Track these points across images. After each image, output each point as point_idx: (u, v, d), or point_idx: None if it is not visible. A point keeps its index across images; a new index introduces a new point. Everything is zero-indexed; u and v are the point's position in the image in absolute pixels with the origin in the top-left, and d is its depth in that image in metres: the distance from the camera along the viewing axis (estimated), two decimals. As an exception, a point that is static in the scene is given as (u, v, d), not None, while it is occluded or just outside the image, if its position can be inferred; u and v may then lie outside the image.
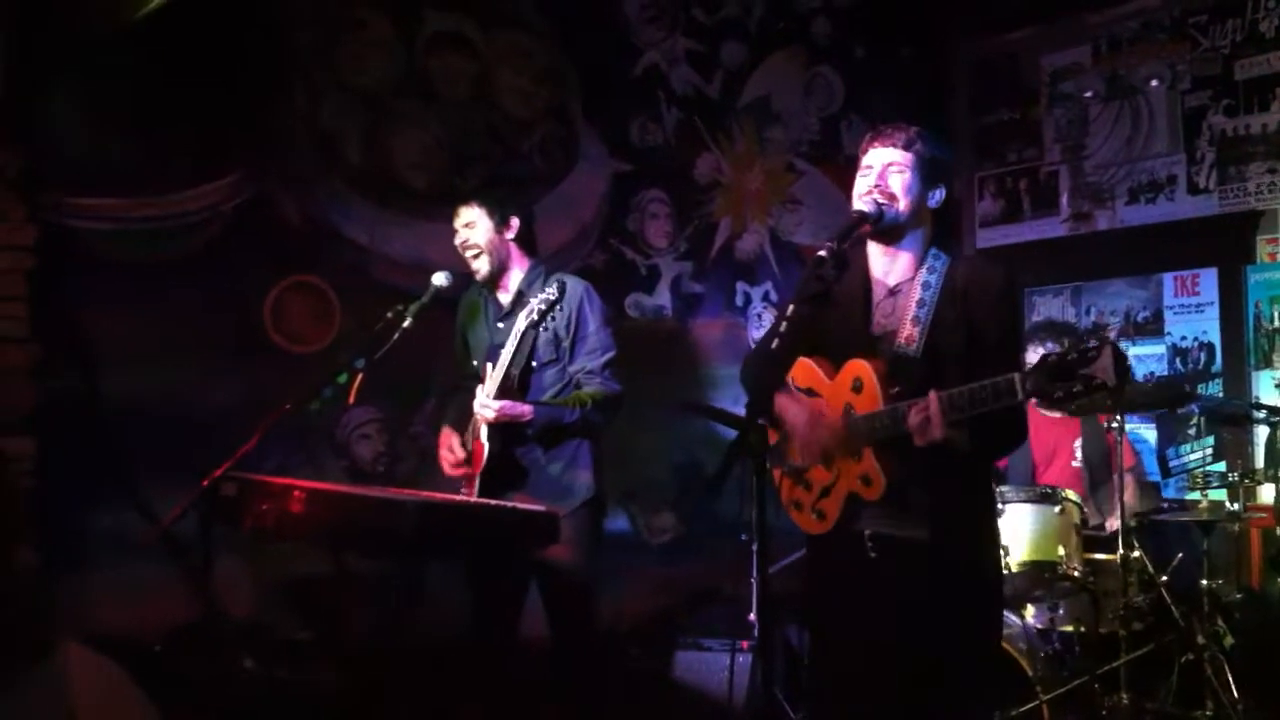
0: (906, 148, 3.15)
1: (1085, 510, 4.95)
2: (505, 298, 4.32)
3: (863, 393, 3.07)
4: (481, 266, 4.28)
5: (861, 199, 3.13)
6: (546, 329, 4.14)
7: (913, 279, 3.16)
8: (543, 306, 4.02)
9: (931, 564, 3.06)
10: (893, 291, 3.19)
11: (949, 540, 3.07)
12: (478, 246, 4.26)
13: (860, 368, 3.08)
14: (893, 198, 3.12)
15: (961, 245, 6.86)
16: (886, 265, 3.21)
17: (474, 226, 4.27)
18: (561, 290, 4.05)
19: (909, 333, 3.09)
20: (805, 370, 3.23)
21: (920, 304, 3.11)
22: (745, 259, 6.60)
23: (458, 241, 4.29)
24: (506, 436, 4.13)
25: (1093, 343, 2.67)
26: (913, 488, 3.06)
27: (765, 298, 6.61)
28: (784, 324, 3.00)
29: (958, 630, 3.07)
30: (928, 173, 3.16)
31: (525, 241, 4.35)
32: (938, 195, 3.20)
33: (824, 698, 3.40)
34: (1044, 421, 5.35)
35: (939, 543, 3.06)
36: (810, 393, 3.20)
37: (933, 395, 2.87)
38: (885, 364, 3.07)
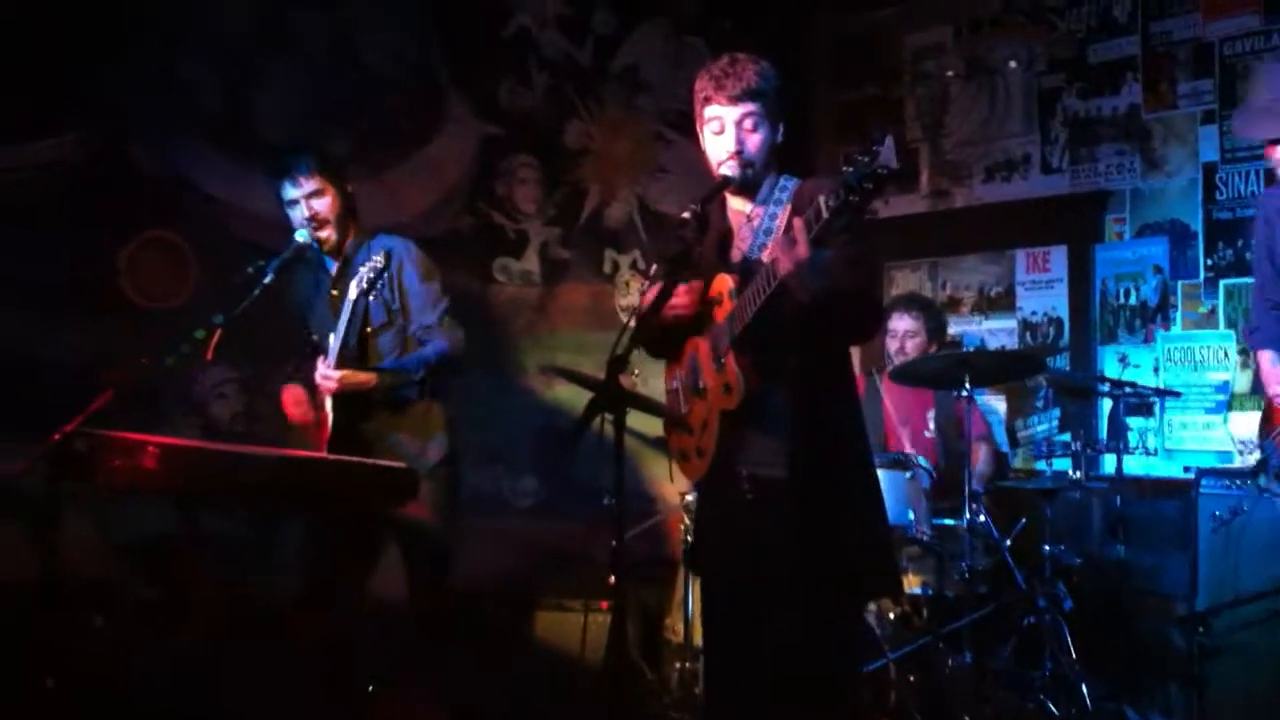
0: (754, 98, 3.17)
1: (935, 476, 5.10)
2: (334, 265, 4.31)
3: (722, 303, 3.18)
4: (330, 236, 4.25)
5: (724, 165, 3.19)
6: (375, 296, 4.13)
7: (765, 205, 3.26)
8: (371, 275, 4.01)
9: (801, 505, 3.11)
10: (749, 219, 3.29)
11: (817, 480, 3.12)
12: (328, 218, 4.23)
13: (719, 281, 3.20)
14: (752, 163, 3.20)
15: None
16: (742, 203, 3.31)
17: (323, 196, 4.22)
18: (388, 258, 4.05)
19: (760, 244, 3.22)
20: None
21: (770, 219, 3.22)
22: (614, 226, 6.62)
23: (303, 212, 4.21)
24: (351, 406, 4.12)
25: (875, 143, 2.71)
26: (777, 415, 3.12)
27: (633, 265, 6.64)
28: (655, 286, 3.13)
29: (827, 576, 3.10)
30: (776, 115, 3.23)
31: (352, 208, 4.34)
32: (780, 130, 3.26)
33: (712, 641, 3.45)
34: (898, 390, 5.49)
35: (806, 482, 3.11)
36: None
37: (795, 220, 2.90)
38: (739, 276, 3.17)
